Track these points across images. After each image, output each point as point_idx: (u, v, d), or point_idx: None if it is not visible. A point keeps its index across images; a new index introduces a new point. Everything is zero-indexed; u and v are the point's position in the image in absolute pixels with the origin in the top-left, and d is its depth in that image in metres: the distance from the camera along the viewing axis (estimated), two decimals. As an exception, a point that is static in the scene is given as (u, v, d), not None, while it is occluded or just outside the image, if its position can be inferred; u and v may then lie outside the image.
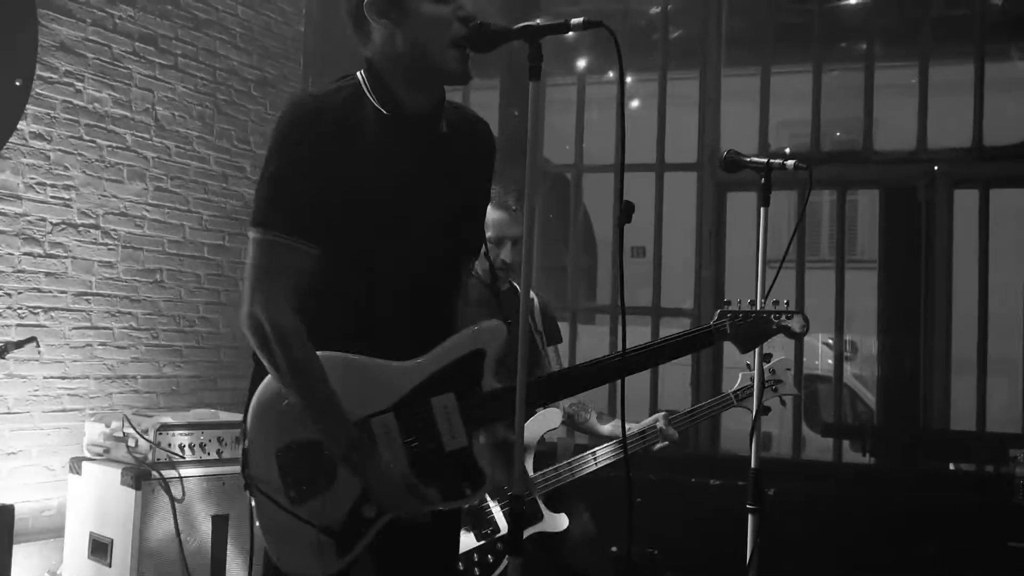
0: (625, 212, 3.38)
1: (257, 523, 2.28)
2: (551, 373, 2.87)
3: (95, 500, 4.40)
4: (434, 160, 2.36)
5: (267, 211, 2.25)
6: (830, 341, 5.73)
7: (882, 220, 5.58)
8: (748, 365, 3.47)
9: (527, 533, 3.43)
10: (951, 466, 5.15)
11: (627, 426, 3.38)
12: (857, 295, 5.98)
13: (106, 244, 4.85)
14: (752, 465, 3.07)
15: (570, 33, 2.18)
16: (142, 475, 4.23)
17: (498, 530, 3.44)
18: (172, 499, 4.28)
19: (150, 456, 4.32)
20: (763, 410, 3.28)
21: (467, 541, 3.38)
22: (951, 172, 5.31)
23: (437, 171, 2.36)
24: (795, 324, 2.82)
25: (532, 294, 3.85)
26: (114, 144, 4.88)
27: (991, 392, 5.28)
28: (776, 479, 4.61)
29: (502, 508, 3.46)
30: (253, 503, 2.28)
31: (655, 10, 6.16)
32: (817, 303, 5.82)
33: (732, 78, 6.23)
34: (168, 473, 4.27)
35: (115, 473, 4.30)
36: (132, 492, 4.23)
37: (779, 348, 3.77)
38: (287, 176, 2.24)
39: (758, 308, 2.83)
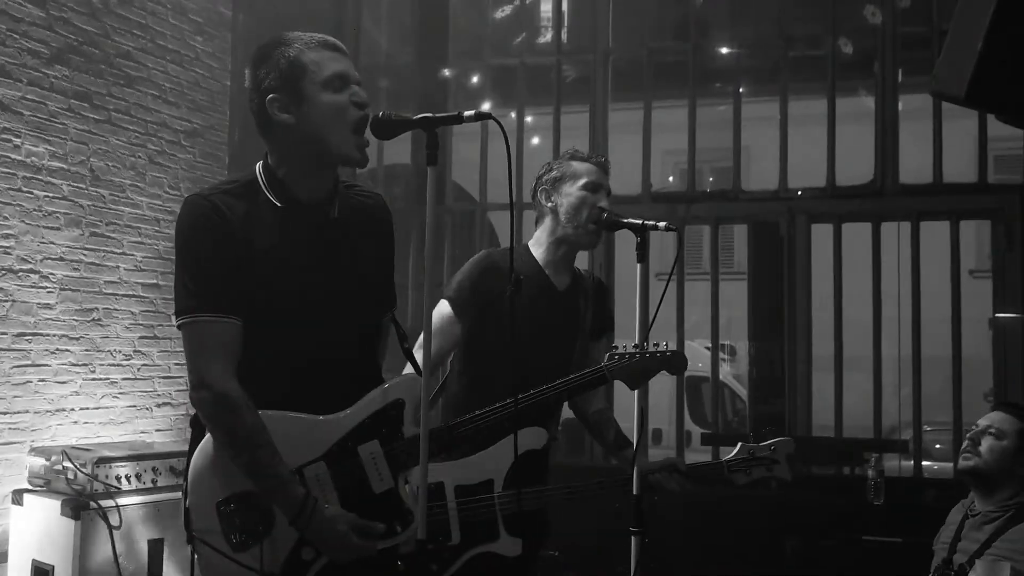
0: (516, 286, 3.47)
1: None
2: (451, 424, 2.66)
3: (37, 529, 4.30)
4: (327, 242, 2.40)
5: (185, 299, 2.30)
6: (710, 345, 5.85)
7: (750, 251, 5.73)
8: (750, 435, 3.32)
9: (476, 551, 2.99)
10: (814, 469, 5.30)
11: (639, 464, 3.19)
12: (734, 304, 6.12)
13: (44, 287, 4.73)
14: (634, 492, 3.11)
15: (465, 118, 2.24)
16: (80, 506, 4.16)
17: (449, 539, 2.97)
18: (110, 527, 4.21)
19: (88, 488, 4.25)
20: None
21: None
22: (809, 209, 5.45)
23: (331, 251, 2.40)
24: (674, 363, 2.94)
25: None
26: (51, 194, 4.75)
27: (848, 386, 5.37)
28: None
29: (461, 515, 2.99)
30: (196, 557, 2.28)
31: (550, 60, 6.21)
32: (699, 312, 5.92)
33: (619, 112, 6.25)
34: (106, 503, 4.20)
35: (55, 505, 4.22)
36: (72, 522, 4.16)
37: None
38: (195, 269, 2.29)
39: (642, 349, 2.95)
